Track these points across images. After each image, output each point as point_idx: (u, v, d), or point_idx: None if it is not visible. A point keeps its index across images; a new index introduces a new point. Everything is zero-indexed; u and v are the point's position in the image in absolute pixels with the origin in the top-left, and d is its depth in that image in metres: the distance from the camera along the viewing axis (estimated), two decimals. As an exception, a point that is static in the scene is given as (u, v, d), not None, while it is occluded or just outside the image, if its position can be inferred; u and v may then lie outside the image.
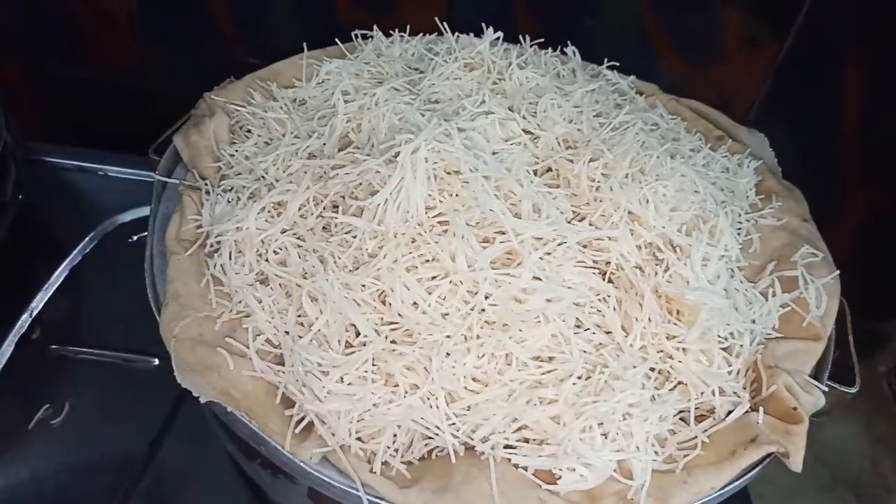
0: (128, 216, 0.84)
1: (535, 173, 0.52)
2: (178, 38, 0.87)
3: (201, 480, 0.65)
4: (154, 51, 0.89)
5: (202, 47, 0.86)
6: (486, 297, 0.44)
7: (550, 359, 0.43)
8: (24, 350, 0.72)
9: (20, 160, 0.76)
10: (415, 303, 0.43)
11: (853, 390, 0.48)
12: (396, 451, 0.41)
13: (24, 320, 0.74)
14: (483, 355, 0.42)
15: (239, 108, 0.58)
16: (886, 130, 0.78)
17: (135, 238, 0.82)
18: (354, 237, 0.46)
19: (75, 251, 0.80)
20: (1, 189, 0.73)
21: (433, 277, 0.44)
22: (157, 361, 0.72)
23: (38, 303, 0.75)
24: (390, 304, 0.43)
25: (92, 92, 0.91)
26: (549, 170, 0.53)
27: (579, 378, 0.42)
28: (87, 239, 0.81)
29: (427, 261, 0.44)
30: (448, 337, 0.42)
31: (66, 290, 0.77)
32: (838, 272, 0.52)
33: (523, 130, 0.53)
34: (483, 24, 0.63)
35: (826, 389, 0.46)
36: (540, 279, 0.44)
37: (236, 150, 0.55)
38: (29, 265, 0.78)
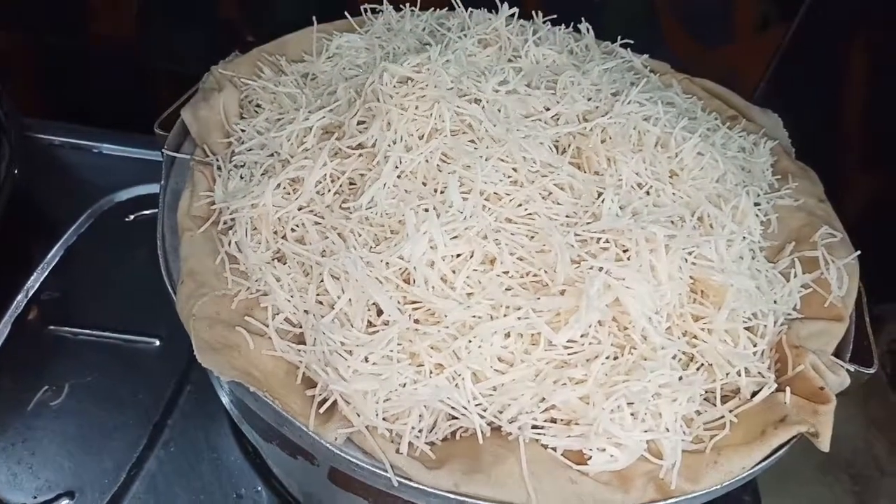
0: (124, 195, 0.82)
1: (556, 150, 0.51)
2: (175, 14, 0.85)
3: (205, 463, 0.64)
4: (151, 27, 0.86)
5: (200, 24, 0.84)
6: (511, 276, 0.43)
7: (575, 341, 0.42)
8: (21, 331, 0.70)
9: (15, 136, 0.73)
10: (443, 278, 0.42)
11: (871, 370, 0.48)
12: (420, 432, 0.41)
13: (20, 301, 0.72)
14: (509, 335, 0.41)
15: (249, 83, 0.57)
16: (890, 115, 0.78)
17: (132, 217, 0.81)
18: (376, 214, 0.45)
19: (70, 230, 0.78)
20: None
21: (458, 256, 0.43)
22: (158, 343, 0.71)
23: (34, 283, 0.73)
24: (413, 282, 0.42)
25: (89, 68, 0.89)
26: (567, 149, 0.52)
27: (607, 358, 0.42)
28: (82, 217, 0.79)
29: (452, 238, 0.43)
30: (475, 317, 0.41)
31: (62, 270, 0.75)
32: (858, 252, 0.52)
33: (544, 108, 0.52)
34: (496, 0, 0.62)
35: (851, 369, 0.45)
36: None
37: (247, 125, 0.53)
38: (23, 244, 0.76)
